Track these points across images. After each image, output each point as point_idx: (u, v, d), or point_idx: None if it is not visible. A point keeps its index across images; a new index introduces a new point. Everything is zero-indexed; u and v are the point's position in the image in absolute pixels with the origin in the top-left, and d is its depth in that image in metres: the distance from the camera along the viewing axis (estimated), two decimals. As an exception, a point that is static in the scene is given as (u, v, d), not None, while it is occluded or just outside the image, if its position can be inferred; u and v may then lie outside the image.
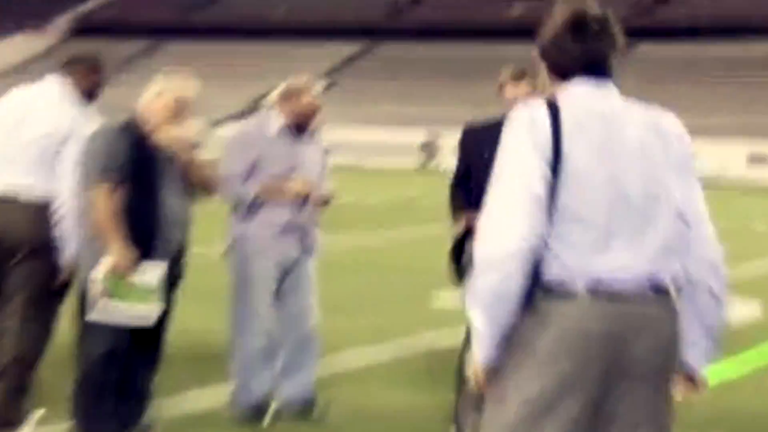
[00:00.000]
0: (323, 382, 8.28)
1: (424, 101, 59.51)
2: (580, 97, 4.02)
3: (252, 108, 62.25)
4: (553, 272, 3.90)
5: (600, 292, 3.89)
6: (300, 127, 7.93)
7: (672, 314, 4.00)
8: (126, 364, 6.98)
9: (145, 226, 6.87)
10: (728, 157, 50.45)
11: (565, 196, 3.88)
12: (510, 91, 7.33)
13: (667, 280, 3.99)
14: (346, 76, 66.83)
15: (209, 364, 9.33)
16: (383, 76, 65.33)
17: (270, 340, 7.87)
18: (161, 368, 7.26)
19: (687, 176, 4.06)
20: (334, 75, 68.13)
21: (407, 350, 10.56)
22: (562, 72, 4.09)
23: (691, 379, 4.16)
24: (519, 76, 7.35)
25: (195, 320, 10.23)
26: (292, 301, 7.99)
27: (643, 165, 3.96)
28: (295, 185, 7.77)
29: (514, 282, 3.85)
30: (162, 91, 7.00)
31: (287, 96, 7.93)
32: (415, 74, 63.16)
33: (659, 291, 3.97)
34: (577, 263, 3.89)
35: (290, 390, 7.96)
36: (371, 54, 69.07)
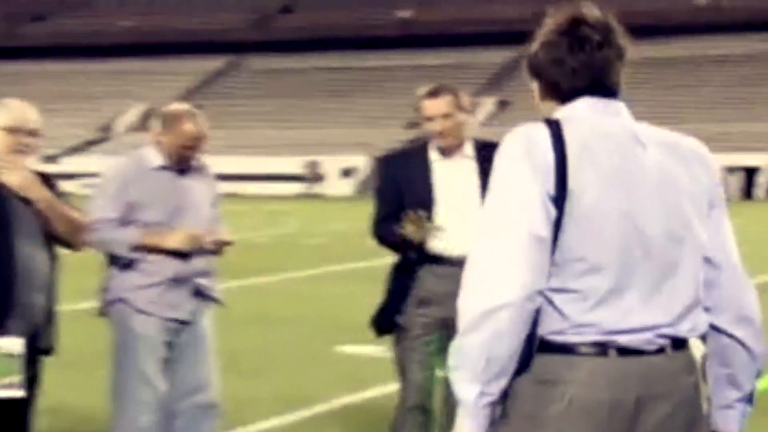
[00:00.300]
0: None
1: (301, 121, 59.16)
2: (584, 117, 3.65)
3: (99, 138, 61.66)
4: (554, 328, 3.55)
5: (610, 353, 3.54)
6: (184, 160, 7.51)
7: (695, 373, 3.68)
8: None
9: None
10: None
11: (571, 236, 3.53)
12: (428, 108, 7.14)
13: (691, 335, 3.66)
14: (210, 96, 66.14)
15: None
16: (252, 94, 64.93)
17: (160, 412, 7.45)
18: None
19: (715, 209, 3.72)
20: (195, 95, 67.10)
21: (318, 415, 10.25)
22: (559, 90, 3.72)
23: None
24: (435, 92, 7.20)
25: (67, 392, 9.77)
26: (187, 366, 7.55)
27: (664, 198, 3.62)
28: (176, 237, 7.36)
29: (510, 340, 3.50)
30: None
31: (166, 124, 7.47)
32: (291, 91, 62.81)
33: (680, 347, 3.62)
34: (583, 318, 3.54)
35: None
36: (238, 70, 68.64)
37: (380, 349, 12.39)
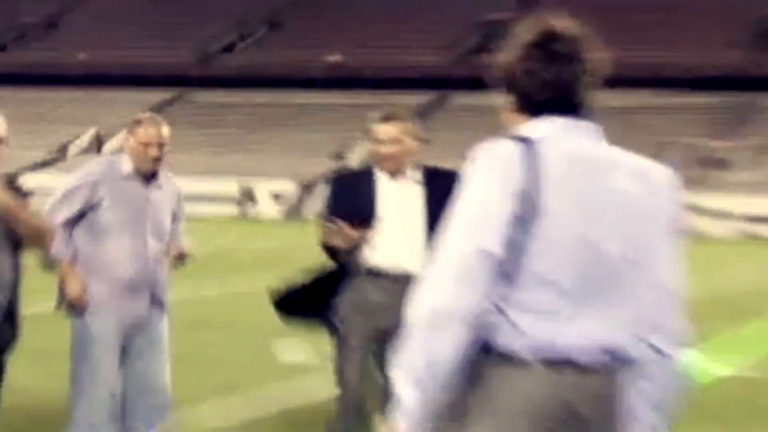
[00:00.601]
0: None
1: (237, 150, 58.94)
2: (555, 137, 3.43)
3: (55, 159, 61.33)
4: (506, 341, 3.35)
5: (558, 366, 3.35)
6: (146, 162, 7.31)
7: (621, 387, 3.49)
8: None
9: None
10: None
11: (533, 254, 3.32)
12: (380, 132, 6.98)
13: (635, 353, 3.47)
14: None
15: (53, 422, 8.62)
16: (195, 123, 64.70)
17: (113, 404, 7.24)
18: None
19: (669, 234, 3.52)
20: (141, 124, 66.96)
21: (257, 406, 10.12)
22: (530, 103, 3.49)
23: None
24: (388, 118, 7.05)
25: (29, 382, 9.57)
26: (142, 363, 7.37)
27: (626, 225, 3.41)
28: (74, 289, 7.15)
29: (455, 352, 3.29)
30: None
31: (130, 129, 7.38)
32: (230, 122, 62.66)
33: (624, 364, 3.45)
34: (535, 332, 3.34)
35: None
36: (182, 100, 68.44)
37: (314, 355, 12.22)
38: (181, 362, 7.65)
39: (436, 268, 3.34)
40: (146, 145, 7.24)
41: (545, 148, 3.37)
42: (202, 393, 10.21)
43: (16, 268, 6.31)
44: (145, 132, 7.25)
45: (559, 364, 3.35)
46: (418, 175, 7.04)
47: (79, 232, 7.22)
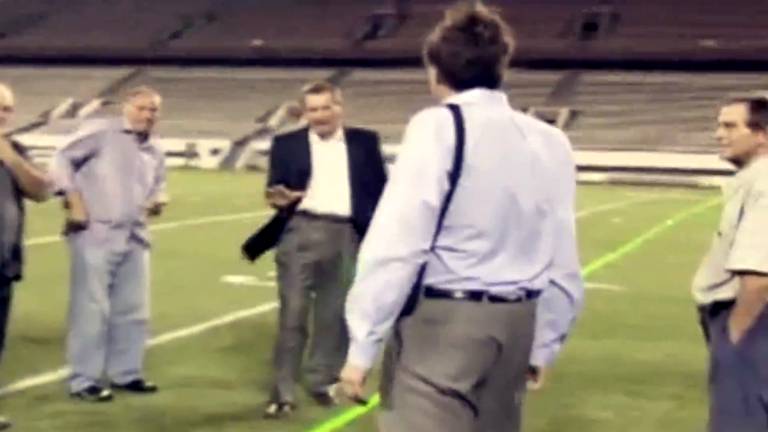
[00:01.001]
0: (148, 359, 7.37)
1: (184, 116, 58.11)
2: (479, 105, 3.19)
3: (40, 122, 60.28)
4: (439, 279, 3.11)
5: (483, 299, 3.12)
6: (141, 123, 7.08)
7: (535, 317, 3.30)
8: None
9: None
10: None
11: (461, 206, 3.09)
12: (311, 101, 6.66)
13: (541, 287, 3.27)
14: (118, 96, 65.02)
15: (48, 347, 8.25)
16: (150, 95, 63.97)
17: (103, 324, 6.94)
18: (5, 352, 6.21)
19: (569, 189, 3.32)
20: (107, 95, 66.45)
21: (213, 327, 9.68)
22: (455, 78, 3.25)
23: (534, 372, 3.41)
24: (317, 89, 6.75)
25: (34, 306, 9.22)
26: (127, 290, 7.07)
27: (535, 180, 3.20)
28: (78, 213, 6.83)
29: (398, 289, 3.05)
30: None
31: (128, 97, 7.15)
32: (178, 93, 61.73)
33: (532, 297, 3.24)
34: (465, 272, 3.10)
35: (121, 368, 7.06)
36: (139, 77, 67.43)
37: (254, 279, 11.91)
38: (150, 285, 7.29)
39: (381, 218, 3.10)
40: (141, 108, 7.04)
41: (469, 114, 3.14)
42: (167, 311, 9.77)
43: (21, 212, 6.03)
44: (141, 99, 7.06)
45: (482, 297, 3.13)
46: (341, 135, 6.77)
47: (80, 177, 6.93)
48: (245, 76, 66.51)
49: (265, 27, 70.83)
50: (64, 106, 64.83)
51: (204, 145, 56.72)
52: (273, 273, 6.98)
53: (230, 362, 8.02)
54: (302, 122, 6.85)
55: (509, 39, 3.25)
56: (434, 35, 3.27)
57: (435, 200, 3.05)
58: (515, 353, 3.21)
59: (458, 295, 3.11)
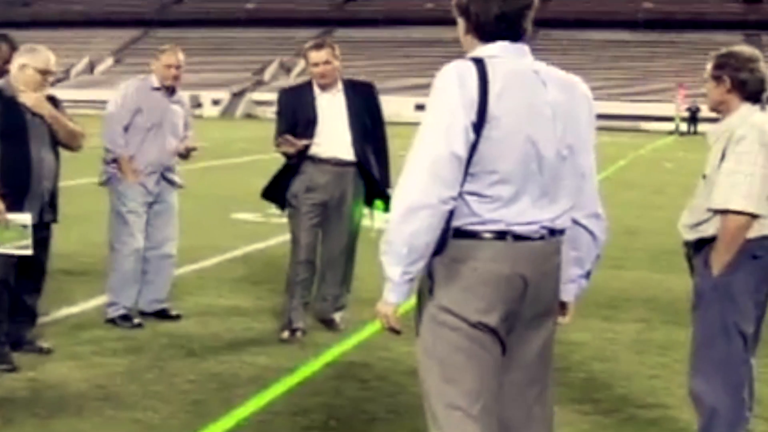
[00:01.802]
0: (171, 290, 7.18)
1: (187, 71, 57.38)
2: (502, 57, 2.97)
3: (62, 78, 59.62)
4: (466, 221, 2.93)
5: (508, 238, 2.94)
6: (168, 79, 6.88)
7: (560, 254, 3.10)
8: (15, 289, 5.68)
9: (19, 178, 5.57)
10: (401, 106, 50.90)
11: (486, 154, 2.88)
12: (313, 57, 6.44)
13: (563, 227, 3.08)
14: (130, 55, 64.39)
15: (81, 280, 8.03)
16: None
17: (138, 261, 6.82)
18: (46, 285, 6.06)
19: (590, 136, 3.11)
20: (119, 54, 65.90)
21: (226, 260, 9.44)
22: (483, 30, 3.01)
23: (563, 307, 3.23)
24: (319, 46, 6.52)
25: (75, 241, 9.00)
26: (158, 227, 6.92)
27: (557, 127, 2.99)
28: (132, 176, 6.72)
29: (428, 234, 2.87)
30: (25, 64, 5.70)
31: (156, 56, 6.92)
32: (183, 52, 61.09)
33: (554, 235, 3.04)
34: (490, 215, 2.92)
35: (149, 297, 6.93)
36: (148, 37, 66.74)
37: (260, 215, 11.71)
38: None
39: (412, 167, 2.90)
40: (169, 66, 6.85)
41: (492, 67, 2.92)
42: (183, 246, 9.58)
43: (57, 161, 5.88)
44: (168, 57, 6.84)
45: (506, 236, 2.95)
46: (341, 86, 6.55)
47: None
48: (241, 35, 66.00)
49: (258, -9, 70.26)
50: (82, 64, 64.19)
51: (206, 97, 56.33)
52: (275, 210, 6.87)
53: (244, 292, 7.84)
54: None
55: None
56: None
57: (462, 150, 2.86)
58: (542, 288, 3.03)
59: (485, 235, 2.93)
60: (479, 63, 2.92)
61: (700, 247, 4.18)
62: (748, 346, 4.17)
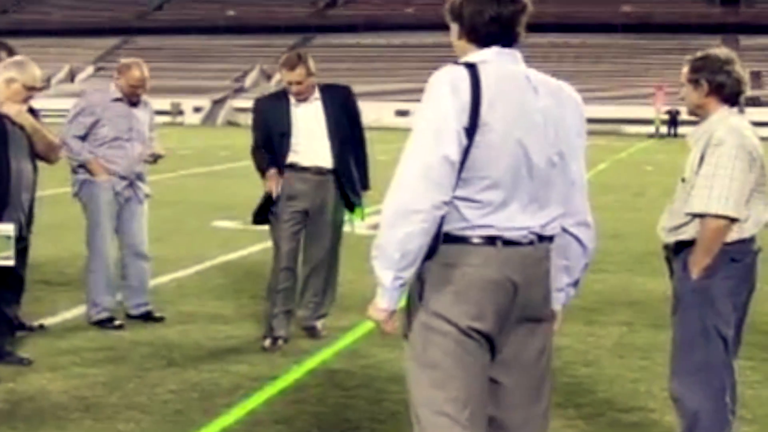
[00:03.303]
0: (151, 297, 7.23)
1: (169, 78, 57.35)
2: (495, 62, 2.95)
3: (43, 86, 59.56)
4: (457, 226, 2.90)
5: (497, 243, 2.92)
6: (132, 96, 6.92)
7: (549, 260, 3.06)
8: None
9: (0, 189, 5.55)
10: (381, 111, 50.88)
11: (477, 159, 2.86)
12: (286, 76, 6.41)
13: (553, 233, 3.05)
14: (110, 62, 64.07)
15: (61, 289, 8.00)
16: (138, 60, 63.50)
17: (113, 263, 6.93)
18: (27, 293, 6.13)
19: (580, 143, 3.08)
20: (99, 62, 65.77)
21: (207, 269, 9.40)
22: (476, 35, 2.99)
23: (552, 315, 3.17)
24: (292, 66, 6.39)
25: (49, 248, 9.01)
26: (131, 234, 7.01)
27: (547, 133, 2.96)
28: (102, 174, 6.79)
29: (421, 239, 2.85)
30: (13, 78, 5.68)
31: (121, 71, 6.89)
32: (162, 59, 60.88)
33: (543, 241, 3.02)
34: (480, 220, 2.90)
35: (134, 301, 7.04)
36: (128, 45, 66.57)
37: (239, 223, 11.68)
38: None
39: (404, 173, 2.86)
40: (134, 87, 6.90)
41: (485, 72, 2.90)
42: (163, 255, 9.53)
43: (35, 172, 5.88)
44: (132, 76, 6.87)
45: (496, 242, 2.92)
46: (317, 94, 6.52)
47: (88, 141, 6.87)
48: (221, 42, 66.01)
49: (237, -1, 70.29)
50: (63, 72, 63.97)
51: (187, 104, 56.23)
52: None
53: (225, 300, 7.79)
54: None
55: (529, 1, 3.01)
56: None
57: (455, 155, 2.83)
58: (532, 293, 3.00)
59: (475, 240, 2.91)
60: (472, 68, 2.90)
61: (679, 250, 4.17)
62: (729, 350, 4.17)
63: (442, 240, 2.92)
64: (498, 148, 2.87)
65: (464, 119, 2.83)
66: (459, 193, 2.88)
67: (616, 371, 5.92)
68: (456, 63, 2.96)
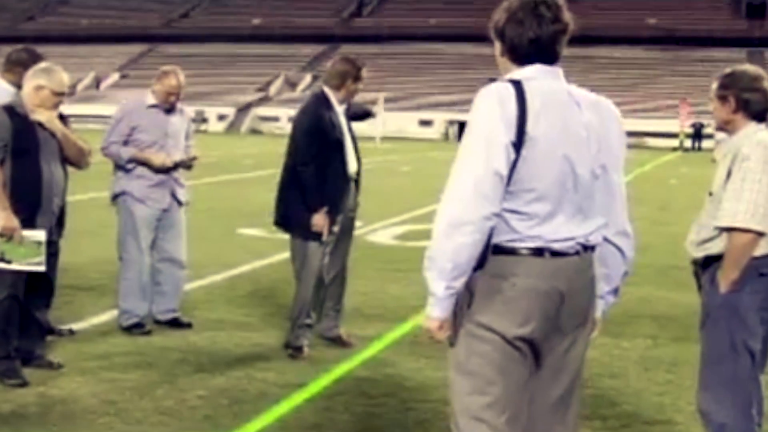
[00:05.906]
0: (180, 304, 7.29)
1: (194, 85, 57.64)
2: (538, 79, 3.04)
3: (69, 92, 59.93)
4: (506, 238, 2.99)
5: (545, 254, 3.01)
6: (168, 103, 7.01)
7: (593, 268, 3.16)
8: (25, 304, 5.72)
9: (31, 195, 5.63)
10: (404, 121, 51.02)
11: (524, 172, 2.95)
12: (364, 75, 6.59)
13: (596, 242, 3.14)
14: (136, 71, 64.51)
15: (89, 295, 8.08)
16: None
17: (147, 272, 7.01)
18: (57, 298, 6.18)
19: (620, 156, 3.18)
20: (125, 69, 66.15)
21: (233, 276, 9.46)
22: (518, 54, 3.09)
23: (593, 323, 3.26)
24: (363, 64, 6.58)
25: (82, 253, 9.11)
26: (168, 239, 7.09)
27: (590, 147, 3.06)
28: (157, 158, 6.90)
29: (472, 250, 2.93)
30: (42, 85, 5.76)
31: (158, 78, 7.01)
32: (187, 67, 61.20)
33: (587, 251, 3.11)
34: (528, 232, 3.00)
35: (163, 307, 7.12)
36: (153, 52, 66.96)
37: (264, 231, 11.73)
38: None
39: (455, 186, 2.96)
40: (169, 93, 6.98)
41: (530, 89, 3.00)
42: (190, 261, 9.62)
43: (66, 178, 5.96)
44: (169, 81, 6.95)
45: (545, 253, 3.02)
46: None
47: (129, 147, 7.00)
48: (246, 51, 66.16)
49: (264, 7, 70.46)
50: (88, 79, 64.42)
51: (212, 112, 56.53)
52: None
53: (252, 307, 7.87)
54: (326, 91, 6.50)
55: (569, 18, 3.10)
56: (500, 13, 3.12)
57: (503, 168, 2.92)
58: (578, 301, 3.08)
59: (523, 251, 3.00)
60: (517, 85, 2.99)
61: (707, 264, 4.20)
62: (756, 364, 4.19)
63: (491, 251, 3.00)
64: (544, 161, 2.96)
65: (511, 133, 2.92)
66: (507, 205, 2.97)
67: (642, 384, 5.94)
68: (501, 80, 3.05)
